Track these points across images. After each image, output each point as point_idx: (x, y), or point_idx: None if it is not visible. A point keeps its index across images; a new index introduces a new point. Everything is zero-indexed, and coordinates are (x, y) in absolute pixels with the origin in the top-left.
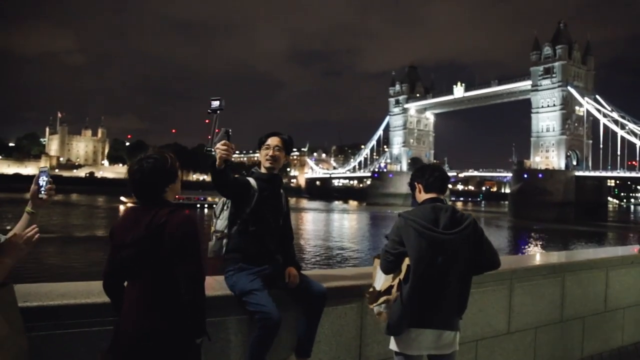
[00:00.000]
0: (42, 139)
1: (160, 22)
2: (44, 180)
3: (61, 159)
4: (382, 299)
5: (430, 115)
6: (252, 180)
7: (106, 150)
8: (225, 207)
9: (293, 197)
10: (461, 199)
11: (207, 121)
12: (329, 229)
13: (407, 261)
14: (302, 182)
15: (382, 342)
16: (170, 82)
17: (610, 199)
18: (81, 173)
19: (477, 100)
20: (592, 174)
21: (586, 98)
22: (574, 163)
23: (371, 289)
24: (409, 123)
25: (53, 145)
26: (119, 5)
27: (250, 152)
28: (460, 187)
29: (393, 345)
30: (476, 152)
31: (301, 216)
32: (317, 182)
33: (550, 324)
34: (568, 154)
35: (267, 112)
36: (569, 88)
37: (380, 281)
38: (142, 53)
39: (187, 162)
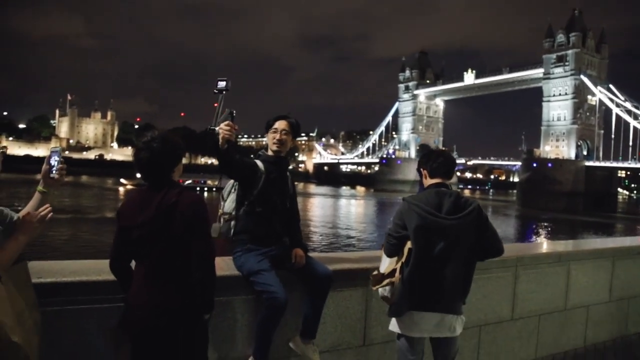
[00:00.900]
0: (52, 121)
1: (169, 7)
2: (55, 160)
3: (71, 141)
4: (385, 282)
5: (440, 102)
6: (259, 163)
7: (115, 133)
8: (233, 190)
9: (301, 182)
10: (469, 187)
11: (215, 104)
12: (336, 214)
13: (409, 244)
14: (310, 167)
15: (385, 325)
16: (179, 66)
17: (620, 190)
18: (90, 155)
19: (488, 87)
20: (603, 164)
21: (599, 87)
22: (584, 153)
23: (375, 272)
24: (418, 109)
25: (63, 127)
26: None
27: (259, 136)
28: (468, 175)
29: (394, 327)
30: (485, 140)
31: (308, 201)
32: (325, 168)
33: (554, 311)
34: (579, 143)
35: (275, 96)
36: (582, 77)
37: (385, 264)
38: (152, 37)
39: (195, 145)
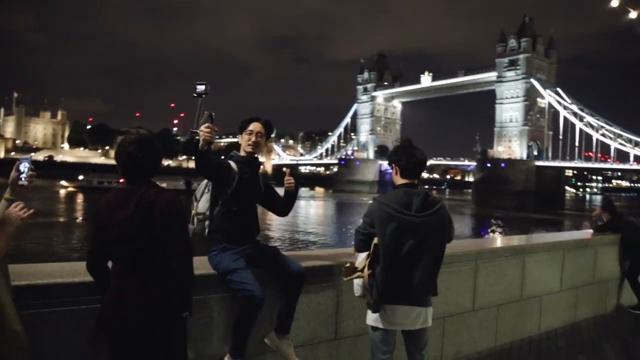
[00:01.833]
0: None
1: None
2: (25, 167)
3: (17, 141)
4: (355, 275)
5: (397, 104)
6: (232, 163)
7: (66, 134)
8: (206, 190)
9: None
10: (426, 186)
11: (172, 105)
12: (296, 215)
13: (375, 240)
14: (269, 169)
15: (356, 319)
16: (136, 66)
17: (567, 188)
18: (39, 157)
19: (444, 89)
20: (552, 164)
21: (548, 90)
22: (535, 153)
23: (348, 264)
24: (377, 111)
25: (8, 127)
26: None
27: (223, 136)
28: (425, 175)
29: (370, 320)
30: (442, 141)
31: None
32: (284, 169)
33: (511, 302)
34: (529, 144)
35: (234, 97)
36: (532, 80)
37: (360, 259)
38: (108, 35)
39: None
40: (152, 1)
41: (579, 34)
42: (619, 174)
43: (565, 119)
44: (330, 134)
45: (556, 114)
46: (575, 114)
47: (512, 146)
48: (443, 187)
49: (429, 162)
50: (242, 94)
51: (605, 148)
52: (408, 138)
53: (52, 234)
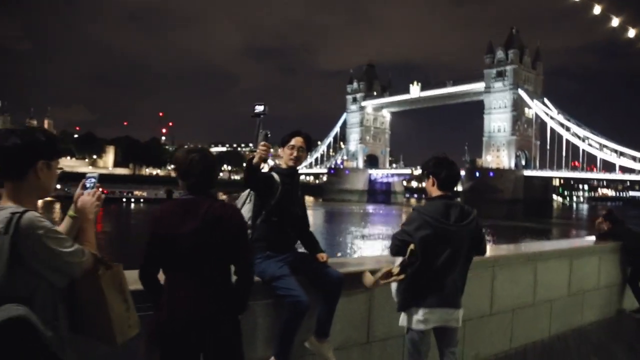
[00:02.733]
0: None
1: (114, 13)
2: (91, 183)
3: None
4: (391, 279)
5: (386, 114)
6: (275, 175)
7: None
8: (248, 200)
9: None
10: (415, 196)
11: (161, 114)
12: None
13: (412, 246)
14: None
15: (387, 323)
16: (122, 74)
17: (555, 196)
18: None
19: (433, 100)
20: (540, 173)
21: (535, 101)
22: (523, 163)
23: (386, 269)
24: (366, 121)
25: None
26: None
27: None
28: (414, 184)
29: (403, 322)
30: (431, 150)
31: None
32: None
33: (525, 306)
34: (517, 153)
35: (220, 105)
36: (520, 91)
37: (395, 264)
38: (95, 43)
39: (139, 156)
40: (139, 10)
41: (564, 46)
42: (605, 183)
43: (552, 129)
44: (319, 143)
45: (543, 124)
46: (561, 125)
47: (500, 156)
48: None
49: (418, 172)
50: (228, 102)
51: (591, 158)
52: (444, 153)
53: None
